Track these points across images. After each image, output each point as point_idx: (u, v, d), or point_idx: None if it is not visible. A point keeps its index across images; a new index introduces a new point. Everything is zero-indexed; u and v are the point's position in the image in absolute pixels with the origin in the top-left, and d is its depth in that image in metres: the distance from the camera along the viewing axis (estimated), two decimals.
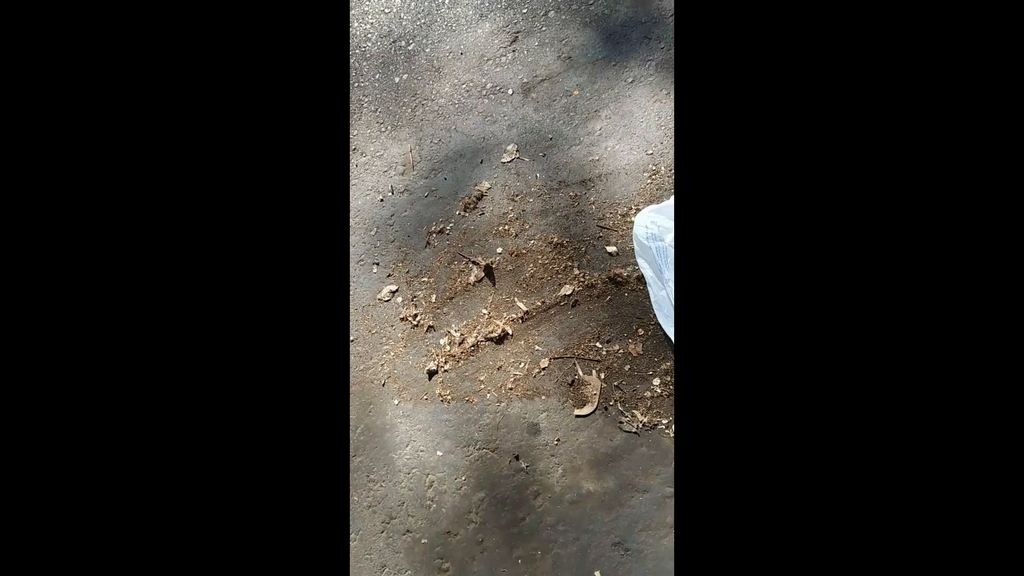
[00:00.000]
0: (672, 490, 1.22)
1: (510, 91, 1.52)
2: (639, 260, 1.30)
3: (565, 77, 1.50)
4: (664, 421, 1.26)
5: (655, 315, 1.28)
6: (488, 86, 1.54)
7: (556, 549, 1.24)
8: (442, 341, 1.40)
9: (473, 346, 1.38)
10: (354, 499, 1.36)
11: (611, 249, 1.36)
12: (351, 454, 1.38)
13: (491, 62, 1.55)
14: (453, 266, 1.44)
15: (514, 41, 1.55)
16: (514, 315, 1.38)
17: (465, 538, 1.29)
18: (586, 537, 1.24)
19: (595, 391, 1.30)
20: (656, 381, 1.27)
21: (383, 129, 1.57)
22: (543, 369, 1.34)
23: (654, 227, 1.26)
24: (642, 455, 1.25)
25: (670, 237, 1.24)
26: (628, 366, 1.30)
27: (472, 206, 1.46)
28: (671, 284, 1.23)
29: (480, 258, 1.42)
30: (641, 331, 1.30)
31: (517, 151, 1.48)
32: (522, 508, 1.28)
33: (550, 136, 1.47)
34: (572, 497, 1.26)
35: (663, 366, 1.27)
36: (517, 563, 1.25)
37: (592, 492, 1.26)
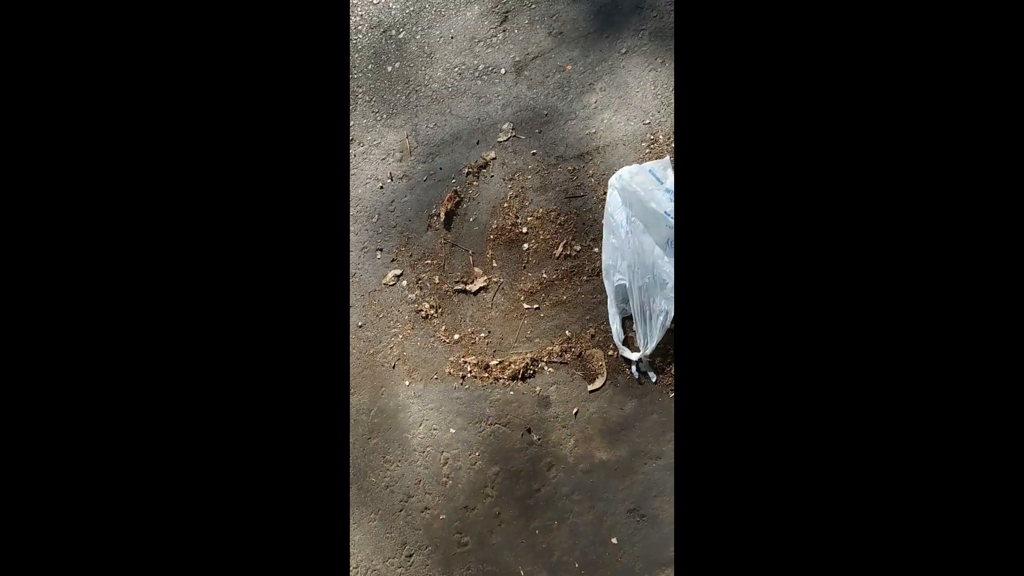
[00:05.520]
0: None
1: (503, 71, 1.53)
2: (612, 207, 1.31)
3: (557, 53, 1.50)
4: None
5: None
6: (480, 67, 1.55)
7: (572, 518, 1.26)
8: (443, 329, 1.42)
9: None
10: (371, 480, 1.38)
11: None
12: (367, 437, 1.41)
13: (482, 43, 1.56)
14: (456, 246, 1.46)
15: (504, 21, 1.56)
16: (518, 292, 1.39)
17: (482, 512, 1.31)
18: (601, 505, 1.25)
19: (601, 362, 1.31)
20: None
21: (379, 118, 1.58)
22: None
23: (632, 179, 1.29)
24: (653, 422, 1.26)
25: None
26: (632, 333, 1.30)
27: (475, 173, 1.48)
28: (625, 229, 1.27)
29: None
30: None
31: (513, 129, 1.48)
32: (536, 480, 1.29)
33: (545, 112, 1.47)
34: (585, 467, 1.28)
35: (671, 326, 1.28)
36: (535, 534, 1.27)
37: (605, 461, 1.27)
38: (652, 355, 1.25)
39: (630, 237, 1.26)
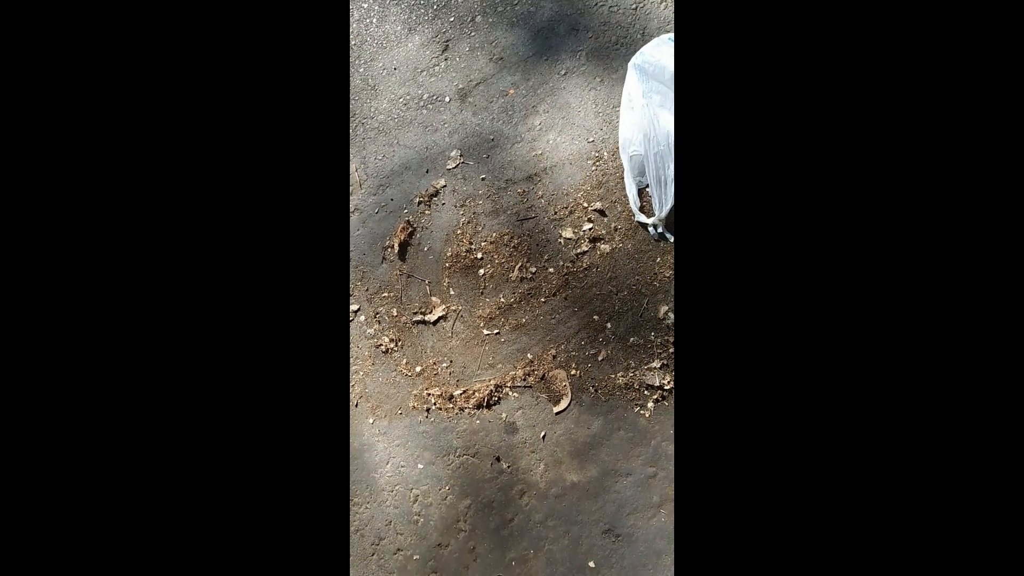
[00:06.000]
0: (654, 469, 1.21)
1: (447, 99, 1.53)
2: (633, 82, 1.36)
3: (499, 78, 1.52)
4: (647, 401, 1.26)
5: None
6: (425, 96, 1.55)
7: (548, 545, 1.23)
8: (404, 361, 1.40)
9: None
10: None
11: (567, 235, 1.37)
12: None
13: (425, 73, 1.57)
14: (412, 277, 1.44)
15: (445, 50, 1.57)
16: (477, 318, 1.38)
17: (457, 548, 1.27)
18: (576, 529, 1.23)
19: (564, 382, 1.30)
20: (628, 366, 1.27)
21: None
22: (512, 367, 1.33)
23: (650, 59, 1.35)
24: (620, 439, 1.25)
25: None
26: (593, 351, 1.30)
27: (427, 202, 1.47)
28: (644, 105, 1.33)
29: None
30: (596, 317, 1.30)
31: (461, 156, 1.49)
32: (509, 509, 1.27)
33: (491, 137, 1.48)
34: (557, 491, 1.25)
35: (631, 340, 1.28)
36: (511, 566, 1.24)
37: (576, 483, 1.25)
38: (666, 218, 1.30)
39: (646, 110, 1.32)
